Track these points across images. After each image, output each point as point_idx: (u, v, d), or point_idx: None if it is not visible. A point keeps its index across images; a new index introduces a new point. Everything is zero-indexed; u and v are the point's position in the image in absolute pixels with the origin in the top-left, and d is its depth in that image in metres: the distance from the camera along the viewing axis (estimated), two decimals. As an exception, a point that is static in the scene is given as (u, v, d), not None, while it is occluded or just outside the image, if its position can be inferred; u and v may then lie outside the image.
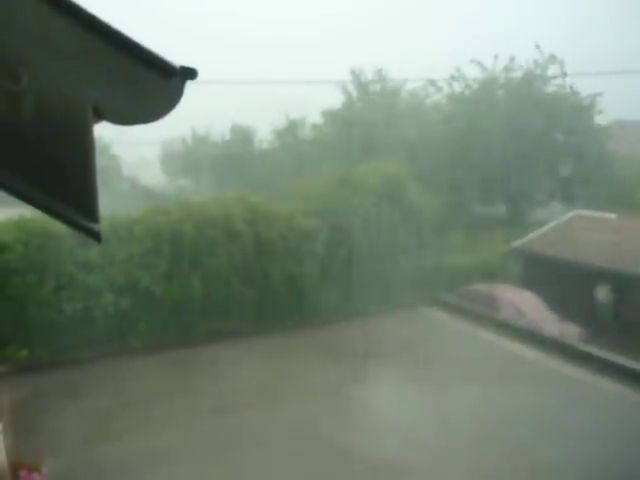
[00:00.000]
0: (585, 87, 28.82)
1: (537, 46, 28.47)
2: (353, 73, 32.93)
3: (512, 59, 28.99)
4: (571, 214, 22.98)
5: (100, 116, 1.77)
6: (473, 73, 29.95)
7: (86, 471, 10.15)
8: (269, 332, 16.85)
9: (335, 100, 33.84)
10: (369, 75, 33.13)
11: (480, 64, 29.41)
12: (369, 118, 30.11)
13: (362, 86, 33.27)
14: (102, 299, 15.63)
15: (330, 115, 34.29)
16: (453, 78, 30.22)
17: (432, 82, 30.87)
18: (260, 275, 17.42)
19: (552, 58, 28.46)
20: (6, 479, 7.89)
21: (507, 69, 29.30)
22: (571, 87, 28.97)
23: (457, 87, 30.56)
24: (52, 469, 6.30)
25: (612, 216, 21.18)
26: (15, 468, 8.30)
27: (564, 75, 28.63)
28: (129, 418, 12.18)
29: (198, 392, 13.40)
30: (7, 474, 7.97)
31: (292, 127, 36.79)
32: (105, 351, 15.21)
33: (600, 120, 29.33)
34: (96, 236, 1.78)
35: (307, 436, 11.26)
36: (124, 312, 15.79)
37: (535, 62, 28.82)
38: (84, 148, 1.73)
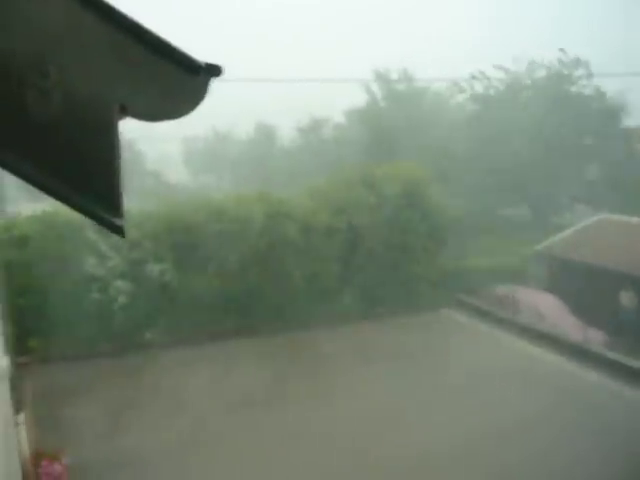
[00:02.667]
0: (613, 88, 28.43)
1: (561, 49, 28.16)
2: (377, 73, 32.68)
3: (535, 61, 28.69)
4: (596, 218, 22.66)
5: (126, 113, 1.78)
6: (497, 74, 29.68)
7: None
8: (288, 330, 16.87)
9: (359, 99, 33.71)
10: (394, 75, 32.89)
11: (503, 67, 29.15)
12: (393, 118, 29.97)
13: (387, 85, 33.02)
14: (120, 292, 15.83)
15: (353, 114, 34.19)
16: (475, 78, 29.96)
17: (456, 83, 30.60)
18: (279, 273, 17.42)
19: (577, 60, 28.11)
20: (28, 468, 8.02)
21: (532, 69, 28.99)
22: (598, 89, 28.59)
23: (480, 88, 30.28)
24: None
25: (638, 220, 20.85)
26: (37, 457, 8.45)
27: (590, 76, 28.27)
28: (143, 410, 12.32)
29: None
30: (30, 463, 8.11)
31: (315, 126, 36.78)
32: (120, 345, 15.37)
33: (628, 122, 28.91)
34: (120, 231, 1.80)
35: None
36: (142, 305, 15.98)
37: (560, 61, 28.46)
38: (110, 144, 1.75)
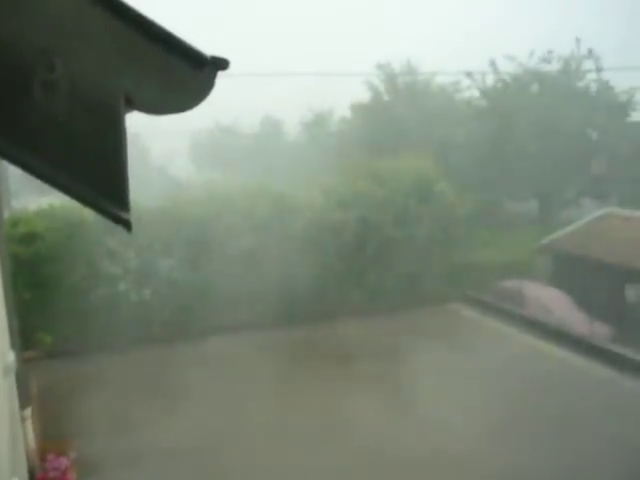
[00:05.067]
0: (620, 82, 28.27)
1: (577, 39, 27.93)
2: (380, 66, 32.41)
3: (548, 52, 28.50)
4: (602, 212, 22.56)
5: (132, 105, 1.78)
6: (506, 67, 29.53)
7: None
8: (292, 324, 16.86)
9: (364, 93, 33.54)
10: (397, 68, 32.63)
11: (513, 59, 28.98)
12: (398, 112, 29.87)
13: (390, 79, 32.77)
14: (126, 287, 15.90)
15: (359, 108, 34.06)
16: (485, 72, 29.82)
17: (467, 74, 30.36)
18: (286, 266, 17.38)
19: (589, 53, 27.91)
20: (35, 463, 8.06)
21: (541, 63, 28.82)
22: (606, 83, 28.43)
23: (489, 81, 30.15)
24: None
25: (644, 215, 20.75)
26: (43, 452, 8.49)
27: (599, 70, 28.09)
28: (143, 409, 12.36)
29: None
30: (36, 458, 8.15)
31: (321, 120, 36.69)
32: (128, 339, 15.38)
33: (636, 116, 28.74)
34: (127, 225, 1.80)
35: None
36: (148, 300, 16.04)
37: (571, 55, 28.29)
38: (116, 137, 1.75)
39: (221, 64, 1.74)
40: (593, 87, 28.63)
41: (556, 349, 15.70)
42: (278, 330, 16.42)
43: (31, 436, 7.94)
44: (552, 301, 18.41)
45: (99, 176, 1.76)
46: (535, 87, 29.05)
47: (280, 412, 12.18)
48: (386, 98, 32.80)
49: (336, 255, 18.01)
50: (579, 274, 19.45)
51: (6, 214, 16.58)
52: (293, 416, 12.02)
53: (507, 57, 28.99)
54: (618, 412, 12.09)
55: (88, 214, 14.27)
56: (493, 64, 29.31)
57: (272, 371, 13.98)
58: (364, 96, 33.41)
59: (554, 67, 28.75)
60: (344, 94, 32.86)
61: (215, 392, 13.12)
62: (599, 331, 16.61)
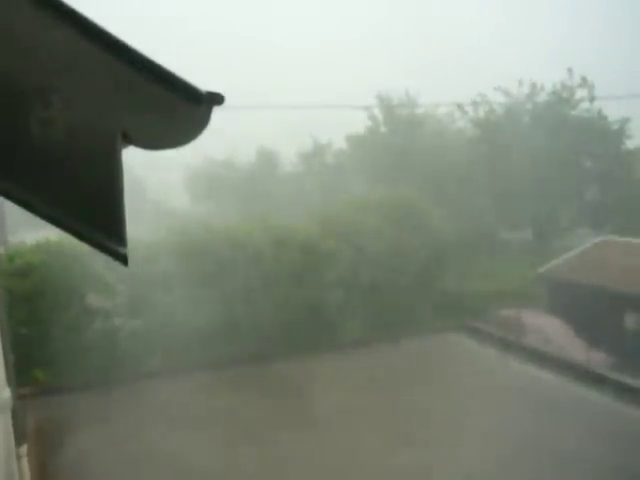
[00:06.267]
0: (613, 111, 28.64)
1: (569, 70, 28.41)
2: (380, 97, 32.90)
3: (537, 84, 28.97)
4: (598, 240, 22.65)
5: (129, 141, 1.79)
6: (498, 98, 29.97)
7: None
8: (290, 357, 16.75)
9: (360, 125, 33.92)
10: (395, 100, 33.10)
11: (505, 91, 29.42)
12: (394, 143, 30.18)
13: (388, 110, 33.23)
14: (125, 322, 15.80)
15: (354, 140, 34.41)
16: (477, 103, 30.23)
17: (459, 106, 30.83)
18: (282, 298, 17.36)
19: (583, 80, 28.33)
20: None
21: (532, 93, 29.26)
22: (599, 112, 28.80)
23: (481, 112, 30.55)
24: None
25: (640, 242, 20.84)
26: (38, 490, 8.34)
27: (592, 99, 28.48)
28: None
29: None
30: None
31: (317, 152, 36.98)
32: (127, 375, 15.24)
33: (629, 145, 29.07)
34: (123, 259, 1.79)
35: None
36: (146, 335, 15.90)
37: (563, 85, 28.73)
38: (113, 173, 1.75)
39: (216, 99, 1.76)
40: (586, 116, 29.01)
41: (555, 377, 15.61)
42: (289, 361, 16.39)
43: (27, 474, 7.81)
44: (551, 329, 18.37)
45: (95, 211, 1.76)
46: (528, 117, 29.42)
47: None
48: (383, 129, 33.20)
49: (331, 286, 18.00)
50: (576, 302, 19.44)
51: (2, 249, 16.60)
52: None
53: (497, 89, 29.46)
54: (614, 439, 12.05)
55: (85, 248, 14.24)
56: (483, 96, 29.76)
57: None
58: (360, 128, 33.83)
59: (546, 98, 29.18)
60: (340, 126, 33.21)
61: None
62: (598, 359, 16.56)
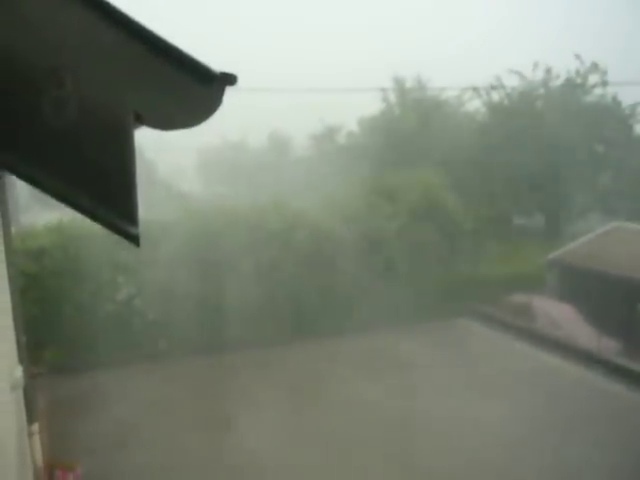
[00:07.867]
0: (626, 96, 28.32)
1: (577, 56, 28.10)
2: (395, 79, 32.68)
3: (551, 69, 28.65)
4: (609, 226, 22.46)
5: (141, 121, 1.78)
6: (512, 82, 29.65)
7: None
8: (304, 340, 16.84)
9: (371, 107, 33.69)
10: (408, 83, 32.91)
11: (519, 73, 29.09)
12: (406, 126, 29.96)
13: (403, 93, 33.01)
14: (136, 303, 15.86)
15: (366, 122, 34.22)
16: (492, 87, 29.92)
17: (475, 90, 30.52)
18: (296, 283, 17.36)
19: (594, 67, 28.01)
20: (42, 479, 8.02)
21: (546, 78, 28.94)
22: (613, 98, 28.47)
23: (496, 97, 30.27)
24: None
25: (653, 228, 20.66)
26: (51, 468, 8.45)
27: (605, 84, 28.15)
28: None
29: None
30: (43, 474, 8.11)
31: (329, 134, 36.83)
32: (137, 355, 15.34)
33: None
34: (135, 240, 1.80)
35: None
36: (158, 316, 15.97)
37: (577, 71, 28.42)
38: (125, 153, 1.74)
39: (229, 80, 1.74)
40: (600, 101, 28.69)
41: (565, 363, 15.62)
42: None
43: (39, 452, 7.90)
44: (561, 316, 18.30)
45: (108, 191, 1.75)
46: (541, 102, 29.12)
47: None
48: (396, 112, 32.97)
49: (344, 270, 17.94)
50: (587, 288, 19.33)
51: (15, 230, 16.65)
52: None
53: (511, 71, 29.14)
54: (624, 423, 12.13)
55: (97, 228, 14.21)
56: (499, 79, 29.45)
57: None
58: (372, 110, 33.60)
59: (559, 82, 28.87)
60: (352, 109, 33.03)
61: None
62: (608, 346, 16.49)
